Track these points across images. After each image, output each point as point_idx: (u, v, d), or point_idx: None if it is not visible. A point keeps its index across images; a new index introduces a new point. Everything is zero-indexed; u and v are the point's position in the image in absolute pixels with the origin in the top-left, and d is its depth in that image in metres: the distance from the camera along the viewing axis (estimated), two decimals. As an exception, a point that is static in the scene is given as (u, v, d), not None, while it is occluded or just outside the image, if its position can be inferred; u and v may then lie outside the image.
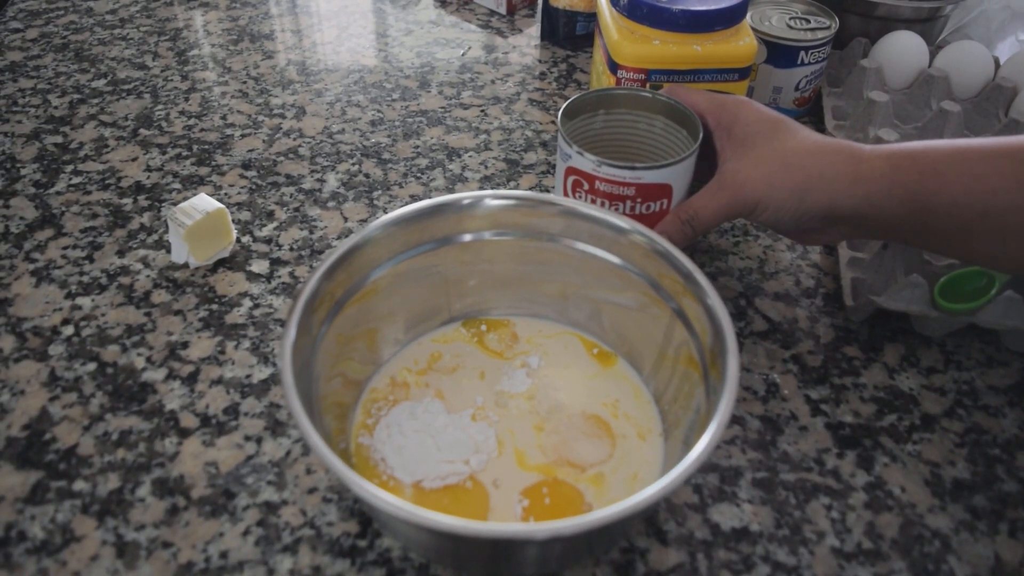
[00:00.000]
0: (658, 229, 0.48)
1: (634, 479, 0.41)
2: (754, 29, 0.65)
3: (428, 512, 0.31)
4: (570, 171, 0.49)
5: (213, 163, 0.64)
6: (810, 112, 0.72)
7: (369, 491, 0.31)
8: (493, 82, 0.75)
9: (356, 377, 0.44)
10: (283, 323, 0.50)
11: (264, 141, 0.66)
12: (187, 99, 0.71)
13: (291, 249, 0.56)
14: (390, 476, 0.40)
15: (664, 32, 0.56)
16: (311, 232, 0.57)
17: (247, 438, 0.44)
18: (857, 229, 0.46)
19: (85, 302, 0.51)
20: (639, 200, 0.48)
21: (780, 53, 0.67)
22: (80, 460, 0.42)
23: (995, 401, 0.47)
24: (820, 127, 0.69)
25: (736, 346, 0.37)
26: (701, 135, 0.49)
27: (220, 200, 0.59)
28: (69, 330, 0.49)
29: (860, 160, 0.44)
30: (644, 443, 0.42)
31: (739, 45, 0.56)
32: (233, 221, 0.57)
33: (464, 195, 0.45)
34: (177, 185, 0.61)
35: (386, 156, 0.65)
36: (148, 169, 0.63)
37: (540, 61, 0.79)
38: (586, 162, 0.48)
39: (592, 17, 0.78)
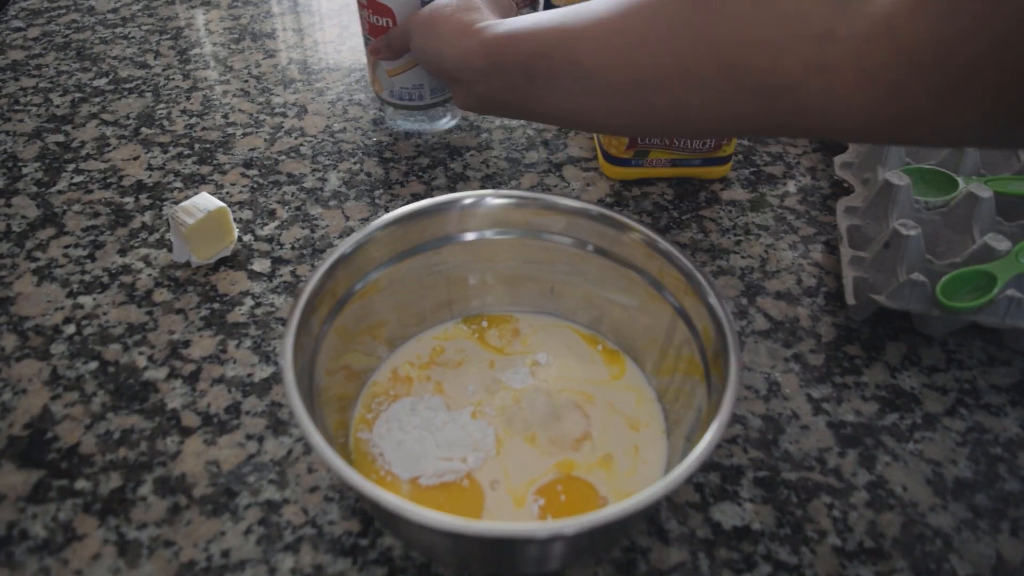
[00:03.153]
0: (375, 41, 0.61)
1: (644, 464, 0.41)
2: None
3: (430, 512, 0.31)
4: None
5: (215, 162, 0.64)
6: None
7: (372, 491, 0.31)
8: (494, 81, 0.75)
9: (359, 369, 0.44)
10: (284, 322, 0.50)
11: (266, 140, 0.66)
12: (188, 98, 0.71)
13: (292, 248, 0.56)
14: (388, 471, 0.40)
15: (666, 31, 0.55)
16: (312, 231, 0.57)
17: (248, 437, 0.44)
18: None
19: (87, 301, 0.51)
20: (371, 11, 0.61)
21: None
22: (82, 459, 0.42)
23: (997, 400, 0.47)
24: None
25: (738, 345, 0.37)
26: None
27: (221, 199, 0.59)
28: (71, 329, 0.50)
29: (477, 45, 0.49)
30: (647, 441, 0.42)
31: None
32: (235, 220, 0.57)
33: (465, 194, 0.45)
34: (179, 184, 0.61)
35: (387, 155, 0.65)
36: (150, 168, 0.63)
37: (541, 60, 0.79)
38: None
39: (593, 16, 0.78)
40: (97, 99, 0.71)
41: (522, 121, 0.69)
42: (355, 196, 0.61)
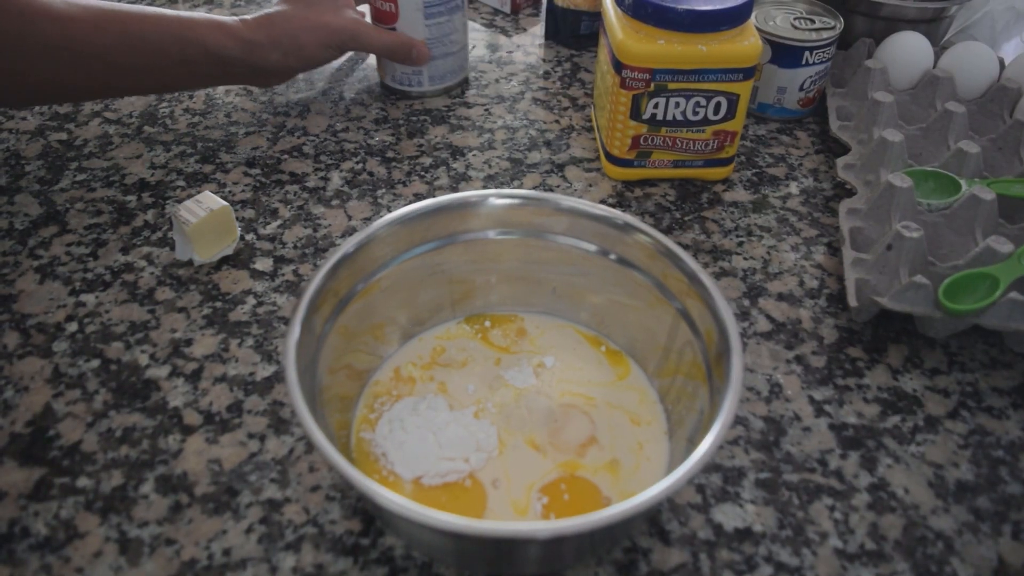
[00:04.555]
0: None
1: (648, 461, 0.41)
2: (759, 29, 0.65)
3: (433, 511, 0.31)
4: None
5: (217, 161, 0.64)
6: (814, 112, 0.71)
7: (374, 490, 0.31)
8: (497, 81, 0.75)
9: (360, 368, 0.44)
10: (287, 321, 0.50)
11: (268, 139, 0.66)
12: (191, 97, 0.71)
13: (295, 247, 0.56)
14: (390, 471, 0.40)
15: (669, 32, 0.56)
16: (315, 230, 0.57)
17: (250, 435, 0.44)
18: None
19: (89, 299, 0.51)
20: None
21: (785, 53, 0.66)
22: (84, 457, 0.43)
23: (999, 403, 0.47)
24: (824, 127, 0.69)
25: (740, 346, 0.37)
26: None
27: (224, 198, 0.59)
28: (73, 327, 0.50)
29: None
30: (648, 436, 0.42)
31: (744, 45, 0.56)
32: (237, 219, 0.57)
33: (468, 194, 0.45)
34: (181, 182, 0.61)
35: (390, 155, 0.65)
36: (152, 166, 0.63)
37: (544, 60, 0.79)
38: None
39: (596, 16, 0.78)
40: (100, 97, 0.71)
41: (525, 121, 0.69)
42: (357, 195, 0.61)
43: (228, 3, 0.87)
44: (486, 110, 0.71)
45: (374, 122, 0.69)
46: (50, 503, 0.40)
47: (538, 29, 0.84)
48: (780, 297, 0.54)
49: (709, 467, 0.43)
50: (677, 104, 0.58)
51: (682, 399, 0.42)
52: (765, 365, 0.49)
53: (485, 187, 0.62)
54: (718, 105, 0.58)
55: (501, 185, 0.62)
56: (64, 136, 0.66)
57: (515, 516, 0.39)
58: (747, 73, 0.57)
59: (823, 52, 0.67)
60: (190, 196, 0.57)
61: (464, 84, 0.74)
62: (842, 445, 0.45)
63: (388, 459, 0.41)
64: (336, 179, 0.62)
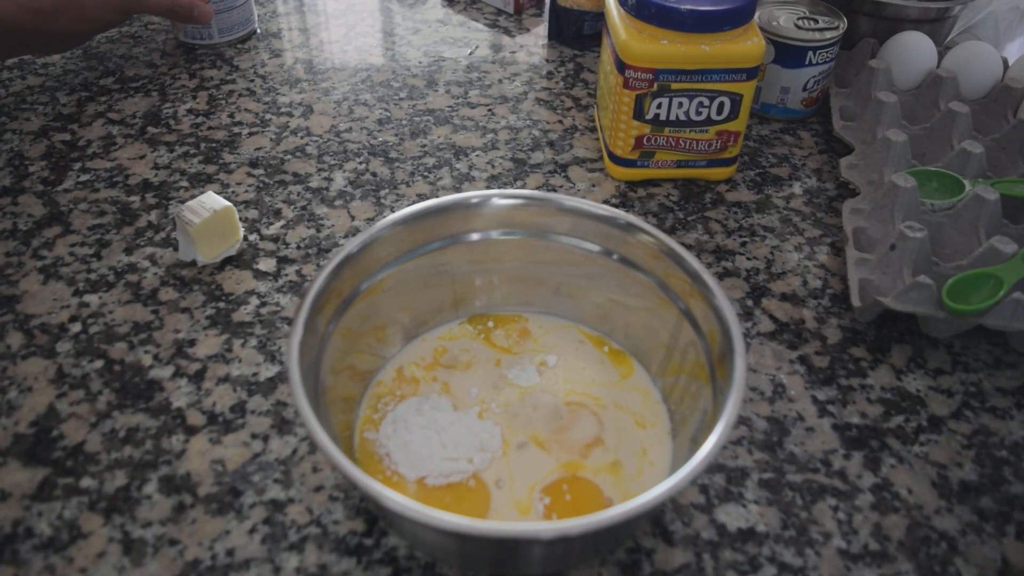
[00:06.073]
0: None
1: (651, 465, 0.41)
2: (762, 29, 0.65)
3: (436, 512, 0.31)
4: None
5: (220, 161, 0.64)
6: (818, 112, 0.71)
7: (378, 490, 0.31)
8: (500, 81, 0.75)
9: (363, 369, 0.44)
10: (290, 321, 0.50)
11: (271, 139, 0.66)
12: (195, 97, 0.71)
13: (298, 247, 0.56)
14: (394, 472, 0.40)
15: (672, 32, 0.55)
16: (318, 231, 0.57)
17: (254, 436, 0.44)
18: None
19: (92, 299, 0.51)
20: None
21: (788, 53, 0.66)
22: (87, 457, 0.43)
23: (1002, 403, 0.47)
24: (828, 127, 0.69)
25: (743, 347, 0.37)
26: None
27: (227, 198, 0.59)
28: (76, 327, 0.50)
29: None
30: (653, 440, 0.42)
31: (747, 45, 0.56)
32: (240, 219, 0.57)
33: (471, 194, 0.45)
34: (185, 183, 0.61)
35: (393, 155, 0.65)
36: (156, 167, 0.63)
37: (547, 60, 0.79)
38: None
39: (600, 16, 0.78)
40: (103, 98, 0.71)
41: (528, 122, 0.69)
42: (360, 196, 0.61)
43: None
44: (489, 110, 0.71)
45: (377, 122, 0.69)
46: (54, 503, 0.40)
47: (541, 29, 0.84)
48: (783, 297, 0.54)
49: (712, 467, 0.43)
50: (680, 104, 0.58)
51: (685, 399, 0.42)
52: (768, 365, 0.49)
53: (488, 187, 0.62)
54: (721, 105, 0.58)
55: (504, 185, 0.62)
56: (68, 137, 0.66)
57: (518, 516, 0.39)
58: (750, 73, 0.57)
59: (826, 52, 0.67)
60: (193, 196, 0.57)
61: (252, 34, 0.80)
62: (845, 445, 0.45)
63: (392, 459, 0.41)
64: (339, 179, 0.62)
